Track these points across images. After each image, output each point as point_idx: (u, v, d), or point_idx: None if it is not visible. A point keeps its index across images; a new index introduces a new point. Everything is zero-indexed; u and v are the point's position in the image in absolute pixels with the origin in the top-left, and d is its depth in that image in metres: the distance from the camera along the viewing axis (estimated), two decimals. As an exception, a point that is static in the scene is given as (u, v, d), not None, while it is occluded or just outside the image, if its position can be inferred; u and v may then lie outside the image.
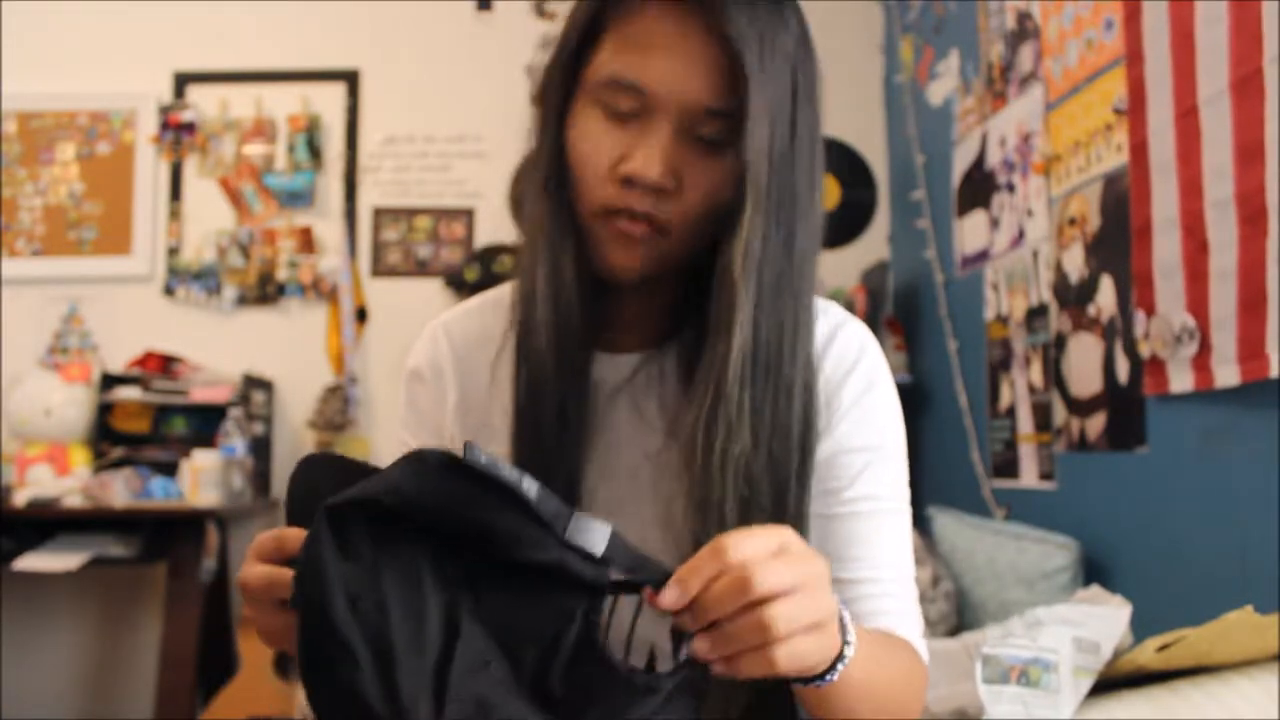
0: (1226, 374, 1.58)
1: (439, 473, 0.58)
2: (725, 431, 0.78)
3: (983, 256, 2.58)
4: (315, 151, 3.39)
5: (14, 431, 2.99)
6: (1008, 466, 2.44)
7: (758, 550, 0.58)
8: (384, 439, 3.28)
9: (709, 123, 0.79)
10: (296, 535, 0.64)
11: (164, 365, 3.13)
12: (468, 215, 3.40)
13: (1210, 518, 1.69)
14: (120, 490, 2.73)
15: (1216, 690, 1.04)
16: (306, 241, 3.38)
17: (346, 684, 0.55)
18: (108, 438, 3.03)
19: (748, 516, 0.77)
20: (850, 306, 3.08)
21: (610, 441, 0.86)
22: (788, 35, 0.80)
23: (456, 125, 3.41)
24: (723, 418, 0.78)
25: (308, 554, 0.58)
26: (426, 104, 3.43)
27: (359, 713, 0.55)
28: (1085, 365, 2.07)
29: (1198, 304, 1.65)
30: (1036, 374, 2.30)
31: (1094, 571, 2.02)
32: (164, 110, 3.40)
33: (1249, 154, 1.51)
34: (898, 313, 3.12)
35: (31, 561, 2.62)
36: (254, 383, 3.13)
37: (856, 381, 0.88)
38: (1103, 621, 1.12)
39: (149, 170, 3.39)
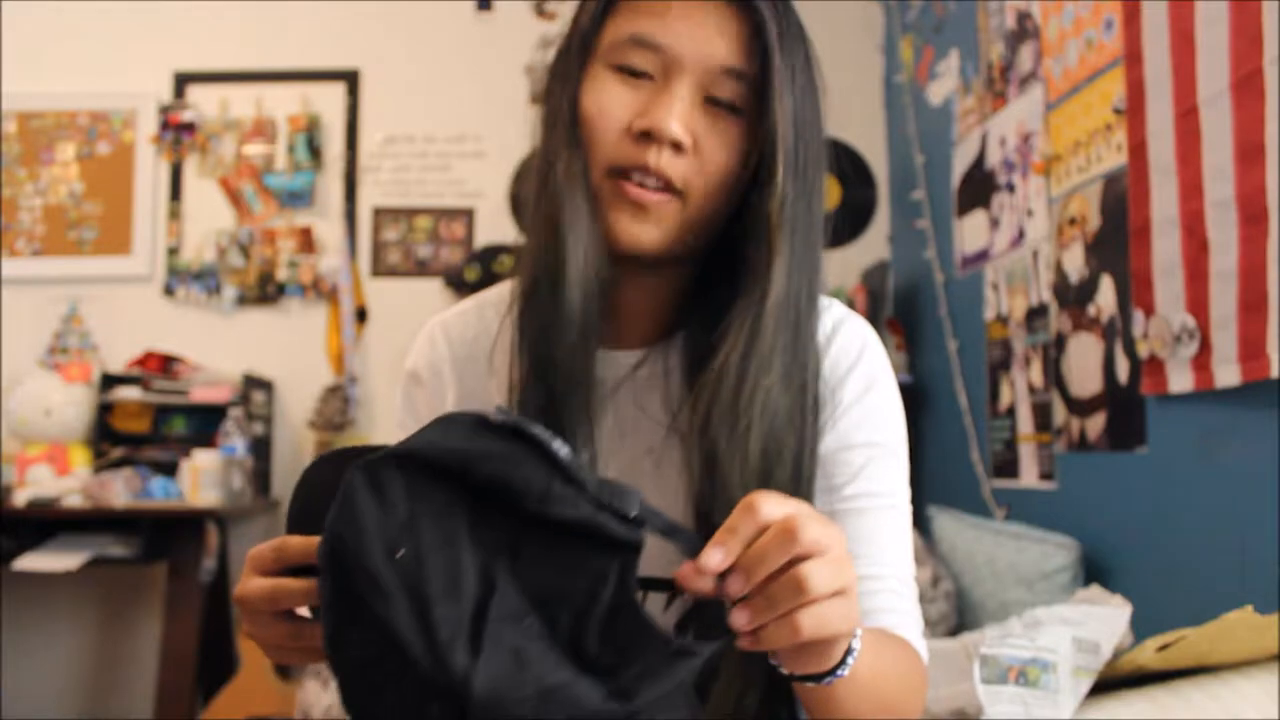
0: (1227, 374, 1.58)
1: (470, 429, 0.58)
2: (754, 379, 0.78)
3: (983, 256, 2.58)
4: (315, 151, 3.39)
5: (14, 431, 2.99)
6: (1008, 466, 2.44)
7: (788, 508, 0.57)
8: (383, 439, 3.26)
9: (726, 85, 0.79)
10: (298, 543, 0.63)
11: (164, 365, 3.13)
12: (468, 215, 3.40)
13: (1210, 518, 1.69)
14: (120, 490, 2.73)
15: (1216, 690, 1.04)
16: (306, 241, 3.38)
17: (380, 621, 0.54)
18: (108, 438, 3.03)
19: None
20: (850, 306, 3.07)
21: (611, 436, 0.86)
22: (795, 10, 0.82)
23: (456, 125, 3.41)
24: (755, 358, 0.78)
25: (344, 502, 0.57)
26: (426, 104, 3.43)
27: (392, 649, 0.54)
28: (1085, 365, 2.07)
29: (1198, 304, 1.65)
30: (1036, 374, 2.30)
31: (1094, 571, 2.02)
32: (164, 110, 3.40)
33: (1250, 154, 1.51)
34: (898, 313, 3.12)
35: (31, 561, 2.62)
36: (254, 383, 3.13)
37: (858, 378, 0.88)
38: (1103, 621, 1.12)
39: (149, 170, 3.39)
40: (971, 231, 2.65)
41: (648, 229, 0.80)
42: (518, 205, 3.27)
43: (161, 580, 2.85)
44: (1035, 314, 2.31)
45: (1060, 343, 2.19)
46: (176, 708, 2.62)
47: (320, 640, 0.61)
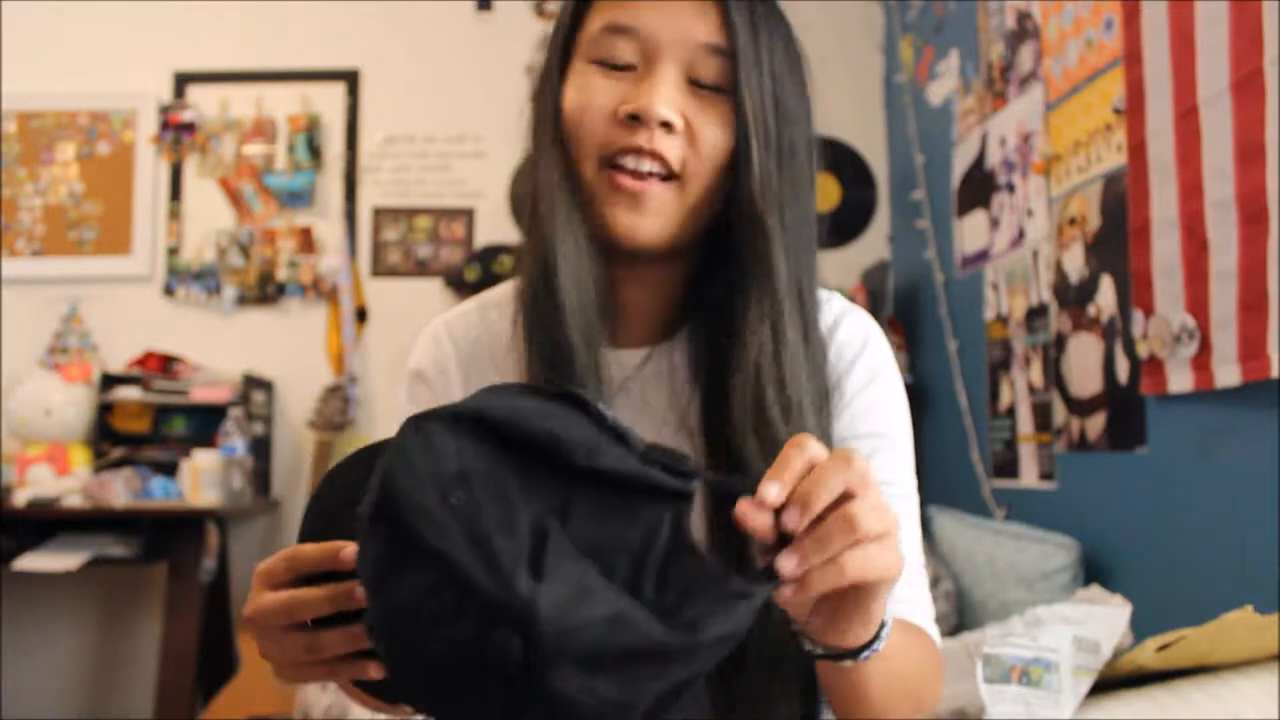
0: (1227, 374, 1.58)
1: (518, 393, 0.59)
2: (776, 372, 0.78)
3: (983, 256, 2.58)
4: (315, 151, 3.39)
5: (14, 431, 2.99)
6: (1008, 466, 2.44)
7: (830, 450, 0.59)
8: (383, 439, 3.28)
9: (709, 64, 0.79)
10: (310, 550, 0.61)
11: (164, 365, 3.13)
12: (468, 215, 3.40)
13: (1210, 518, 1.69)
14: (120, 490, 2.73)
15: (1216, 690, 1.04)
16: (306, 241, 3.38)
17: (436, 555, 0.52)
18: (108, 438, 3.03)
19: None
20: (850, 306, 3.08)
21: None
22: None
23: (456, 125, 3.41)
24: (777, 352, 0.78)
25: (396, 450, 0.56)
26: (426, 104, 3.43)
27: (448, 584, 0.51)
28: (1085, 365, 2.07)
29: (1197, 304, 1.65)
30: (1036, 374, 2.30)
31: (1094, 571, 2.02)
32: (164, 110, 3.40)
33: (1250, 154, 1.51)
34: (898, 313, 3.12)
35: (31, 561, 2.62)
36: (254, 383, 3.13)
37: (863, 369, 0.88)
38: (1103, 621, 1.12)
39: (149, 170, 3.39)
40: (971, 231, 2.65)
41: (646, 220, 0.79)
42: (518, 205, 3.27)
43: (161, 580, 2.85)
44: (1035, 314, 2.31)
45: (1060, 343, 2.19)
46: (176, 708, 2.62)
47: (336, 648, 0.60)
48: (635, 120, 0.78)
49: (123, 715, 3.15)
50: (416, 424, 0.57)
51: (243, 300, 3.35)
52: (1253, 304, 1.51)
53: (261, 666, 2.68)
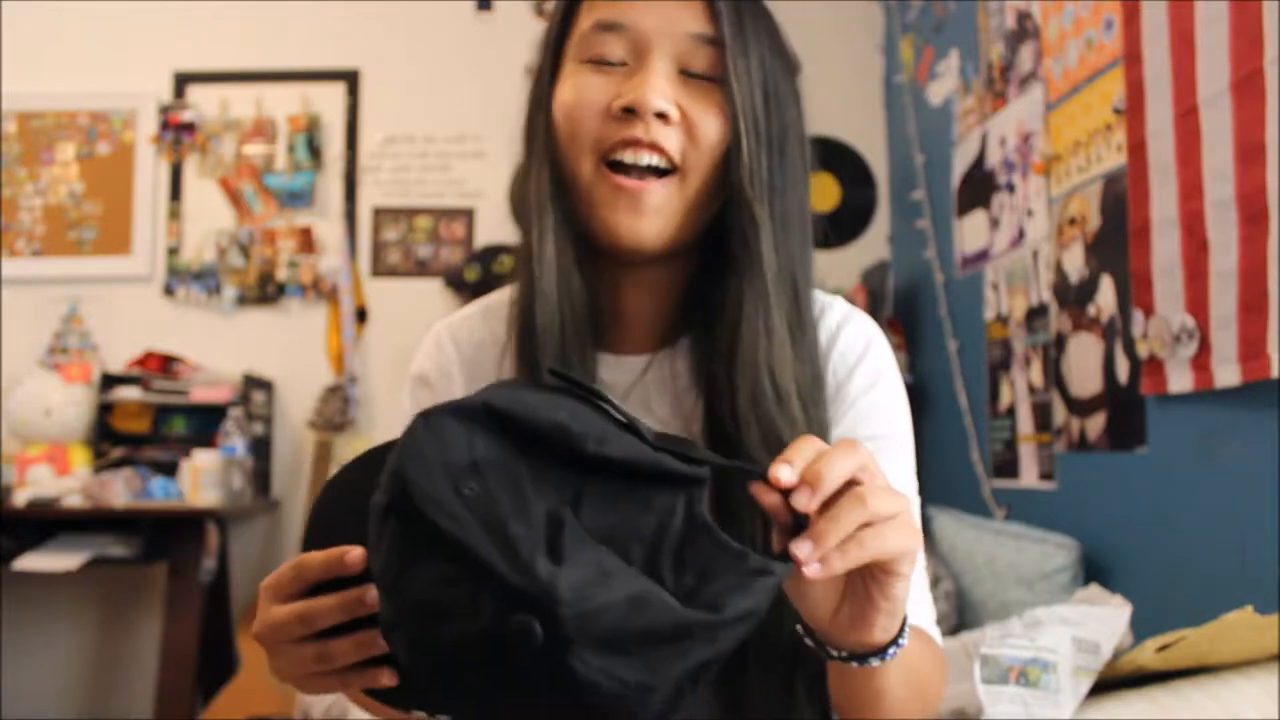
0: (1227, 374, 1.58)
1: (525, 387, 0.59)
2: (769, 370, 0.78)
3: (983, 256, 2.58)
4: (315, 151, 3.39)
5: (14, 431, 2.99)
6: (1008, 466, 2.44)
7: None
8: (384, 439, 3.27)
9: (699, 55, 0.80)
10: (317, 557, 0.60)
11: (164, 365, 3.13)
12: (468, 215, 3.40)
13: (1210, 518, 1.69)
14: (120, 490, 2.73)
15: (1216, 690, 1.04)
16: (306, 241, 3.38)
17: (451, 543, 0.51)
18: (108, 438, 3.03)
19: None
20: (850, 306, 3.08)
21: None
22: None
23: (456, 125, 3.41)
24: (767, 349, 0.78)
25: (406, 444, 0.55)
26: (426, 104, 3.43)
27: (466, 572, 0.51)
28: (1085, 365, 2.07)
29: (1197, 304, 1.65)
30: (1036, 374, 2.30)
31: (1094, 571, 2.02)
32: (164, 110, 3.40)
33: (1250, 154, 1.51)
34: (898, 313, 3.12)
35: (31, 561, 2.62)
36: (254, 383, 3.13)
37: (865, 372, 0.88)
38: (1102, 621, 1.12)
39: (149, 170, 3.39)
40: (971, 231, 2.65)
41: (648, 221, 0.79)
42: (518, 206, 3.27)
43: (161, 580, 2.85)
44: (1035, 314, 2.31)
45: (1060, 343, 2.19)
46: (176, 708, 2.62)
47: (348, 657, 0.60)
48: (630, 113, 0.78)
49: (123, 715, 3.15)
50: (426, 418, 0.56)
51: (243, 300, 3.35)
52: (1253, 304, 1.51)
53: (261, 666, 2.68)
